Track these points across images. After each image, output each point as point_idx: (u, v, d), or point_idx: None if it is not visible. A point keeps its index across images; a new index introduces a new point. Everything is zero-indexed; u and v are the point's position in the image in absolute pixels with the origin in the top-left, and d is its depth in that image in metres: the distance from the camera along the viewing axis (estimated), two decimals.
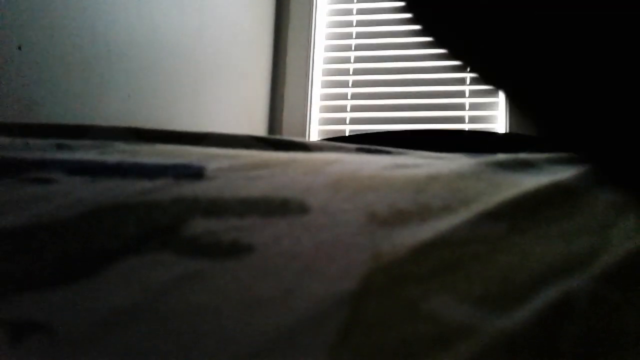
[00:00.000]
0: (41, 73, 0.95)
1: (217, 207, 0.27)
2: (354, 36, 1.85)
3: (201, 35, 1.44)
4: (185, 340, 0.20)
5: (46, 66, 0.96)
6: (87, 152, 0.36)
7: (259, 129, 1.78)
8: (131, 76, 1.17)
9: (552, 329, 0.20)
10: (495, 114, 1.73)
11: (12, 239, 0.25)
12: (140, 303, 0.21)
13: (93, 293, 0.22)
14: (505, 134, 1.61)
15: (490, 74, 0.28)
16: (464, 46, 0.27)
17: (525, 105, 0.28)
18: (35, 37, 0.93)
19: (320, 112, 1.85)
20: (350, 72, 1.84)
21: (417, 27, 0.27)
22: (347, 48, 1.85)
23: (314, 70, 1.84)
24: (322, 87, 1.86)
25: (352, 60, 1.84)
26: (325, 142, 0.49)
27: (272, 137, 0.47)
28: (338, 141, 0.84)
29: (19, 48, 0.90)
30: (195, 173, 0.31)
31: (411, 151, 0.46)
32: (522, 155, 0.36)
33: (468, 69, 0.28)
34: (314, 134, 1.82)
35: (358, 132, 1.65)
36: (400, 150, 0.46)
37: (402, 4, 0.28)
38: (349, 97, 1.83)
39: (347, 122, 1.82)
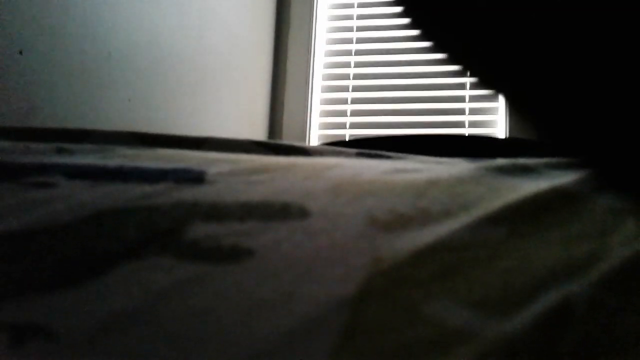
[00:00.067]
0: (42, 77, 0.95)
1: (217, 212, 0.27)
2: (354, 41, 1.85)
3: (201, 40, 1.44)
4: (185, 344, 0.20)
5: (47, 70, 0.96)
6: (88, 156, 0.36)
7: (259, 133, 1.78)
8: (131, 80, 1.18)
9: (552, 333, 0.20)
10: (495, 119, 1.73)
11: (13, 242, 0.25)
12: (141, 307, 0.21)
13: (94, 296, 0.22)
14: (505, 138, 1.61)
15: (490, 78, 0.28)
16: (463, 50, 0.27)
17: (525, 109, 0.28)
18: (36, 42, 0.93)
19: (321, 116, 1.85)
20: (351, 77, 1.84)
21: (416, 31, 0.28)
22: (348, 53, 1.85)
23: (314, 75, 1.84)
24: (322, 91, 1.86)
25: (352, 65, 1.84)
26: (326, 147, 0.49)
27: (273, 141, 0.47)
28: (338, 146, 0.84)
29: (20, 52, 0.91)
30: (195, 177, 0.31)
31: (411, 156, 0.46)
32: (522, 160, 0.36)
33: (468, 73, 0.28)
34: (314, 139, 1.82)
35: (358, 137, 1.65)
36: (400, 154, 0.46)
37: (401, 8, 0.28)
38: (349, 102, 1.83)
39: (347, 126, 1.82)
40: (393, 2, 0.28)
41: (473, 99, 1.74)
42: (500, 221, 0.26)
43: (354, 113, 1.82)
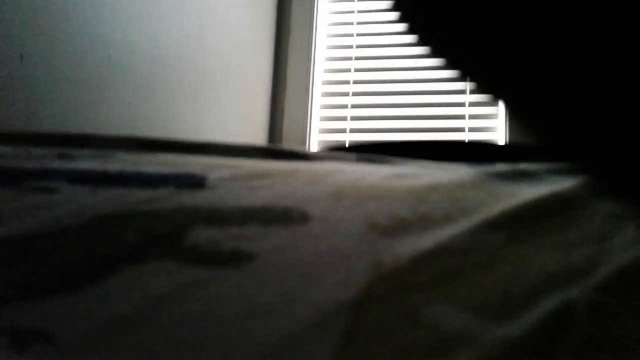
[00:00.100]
0: (43, 82, 0.95)
1: (218, 216, 0.27)
2: (354, 46, 1.86)
3: (202, 45, 1.44)
4: (186, 348, 0.20)
5: (47, 75, 0.96)
6: (89, 161, 0.36)
7: (259, 137, 1.78)
8: (132, 85, 1.18)
9: (552, 337, 0.20)
10: (494, 124, 1.74)
11: (14, 247, 0.25)
12: (142, 311, 0.21)
13: (94, 301, 0.22)
14: (505, 144, 1.61)
15: (489, 83, 0.28)
16: (461, 55, 0.27)
17: (524, 115, 0.28)
18: (36, 47, 0.94)
19: (321, 121, 1.85)
20: (351, 82, 1.84)
21: (414, 37, 0.28)
22: (348, 58, 1.86)
23: (314, 80, 1.85)
24: (323, 96, 1.87)
25: (352, 70, 1.85)
26: (326, 152, 0.49)
27: (274, 146, 0.47)
28: (338, 151, 0.84)
29: (21, 57, 0.91)
30: (197, 182, 0.31)
31: (411, 161, 0.46)
32: (522, 166, 0.36)
33: (466, 78, 0.29)
34: (314, 143, 1.83)
35: (358, 142, 1.65)
36: (400, 160, 0.46)
37: (399, 14, 0.28)
38: (349, 107, 1.83)
39: (348, 131, 1.82)
40: (392, 7, 0.28)
41: (473, 104, 1.74)
42: (500, 226, 0.26)
43: (354, 118, 1.82)
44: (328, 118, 1.85)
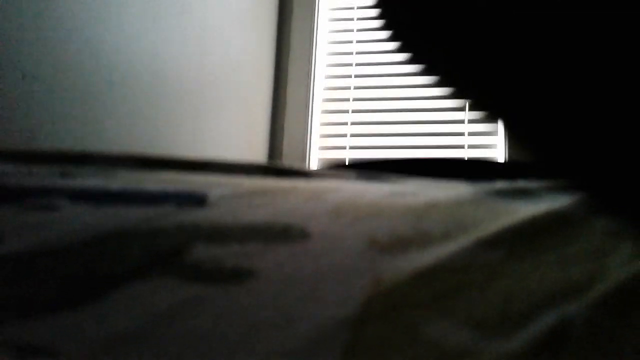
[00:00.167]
0: (44, 101, 0.96)
1: (219, 234, 0.27)
2: (354, 64, 1.87)
3: (202, 64, 1.45)
4: None
5: (49, 95, 0.97)
6: (91, 179, 0.36)
7: (260, 155, 1.78)
8: (133, 104, 1.19)
9: (550, 354, 0.20)
10: (494, 141, 1.74)
11: (16, 264, 0.25)
12: (143, 328, 0.22)
13: (97, 318, 0.22)
14: (504, 161, 1.62)
15: (485, 102, 0.28)
16: (456, 74, 0.27)
17: (521, 133, 0.29)
18: (38, 67, 0.94)
19: (321, 138, 1.86)
20: (351, 100, 1.85)
21: (406, 54, 0.28)
22: (347, 76, 1.87)
23: (314, 97, 1.86)
24: (322, 113, 1.87)
25: (352, 88, 1.86)
26: (326, 170, 0.49)
27: (274, 164, 0.48)
28: (338, 168, 0.84)
29: (23, 77, 0.91)
30: (198, 200, 0.31)
31: (411, 178, 0.46)
32: (521, 183, 0.36)
33: (464, 99, 0.29)
34: (314, 161, 1.83)
35: (358, 160, 1.66)
36: (400, 177, 0.46)
37: (392, 33, 0.28)
38: (349, 124, 1.84)
39: (347, 148, 1.83)
40: (384, 28, 0.28)
41: (472, 121, 1.75)
42: (499, 243, 0.26)
43: (354, 135, 1.83)
44: (328, 135, 1.86)
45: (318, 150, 1.85)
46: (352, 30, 1.90)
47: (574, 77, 0.25)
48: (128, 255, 0.26)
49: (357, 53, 1.88)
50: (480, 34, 0.26)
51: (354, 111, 1.84)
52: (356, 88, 1.85)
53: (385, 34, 0.27)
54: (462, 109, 1.77)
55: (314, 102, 1.85)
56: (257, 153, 1.77)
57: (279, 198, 0.32)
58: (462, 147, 1.75)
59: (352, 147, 1.83)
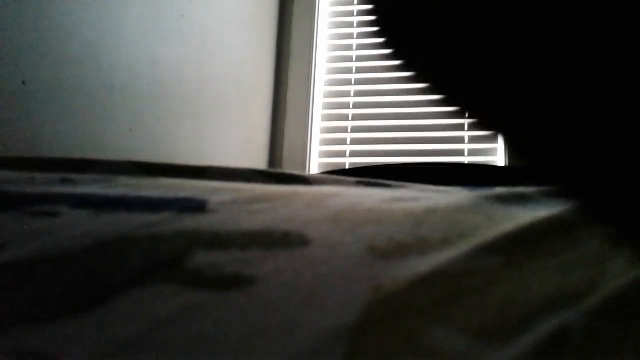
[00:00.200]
0: (45, 107, 0.96)
1: (219, 240, 0.27)
2: (353, 70, 1.87)
3: (202, 70, 1.46)
4: None
5: (50, 101, 0.97)
6: (91, 186, 0.36)
7: (260, 161, 1.79)
8: (133, 110, 1.19)
9: None
10: (494, 147, 1.74)
11: (18, 271, 0.26)
12: (144, 334, 0.22)
13: (98, 324, 0.22)
14: (504, 166, 1.62)
15: (485, 118, 0.28)
16: (456, 92, 0.28)
17: (521, 146, 0.29)
18: (39, 73, 0.95)
19: (321, 145, 1.86)
20: (350, 106, 1.85)
21: (406, 71, 0.28)
22: (347, 82, 1.87)
23: (314, 103, 1.86)
24: (322, 120, 1.88)
25: (352, 94, 1.86)
26: (326, 176, 0.49)
27: (273, 170, 0.48)
28: (338, 174, 0.84)
29: (23, 83, 0.92)
30: (198, 206, 0.31)
31: (410, 184, 0.46)
32: (520, 189, 0.36)
33: (462, 112, 0.29)
34: (314, 167, 1.83)
35: (358, 165, 1.66)
36: (399, 183, 0.47)
37: (390, 50, 0.28)
38: (348, 130, 1.84)
39: (347, 154, 1.83)
40: (385, 46, 0.29)
41: (472, 126, 1.75)
42: (498, 249, 0.26)
43: (354, 141, 1.83)
44: (328, 141, 1.86)
45: (318, 155, 1.85)
46: (352, 36, 1.90)
47: (572, 91, 0.25)
48: (128, 262, 0.26)
49: (357, 59, 1.88)
50: (480, 56, 0.26)
51: (353, 117, 1.84)
52: (356, 94, 1.86)
53: (384, 52, 0.28)
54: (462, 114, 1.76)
55: (314, 108, 1.85)
56: (257, 159, 1.77)
57: (279, 204, 0.32)
58: (462, 152, 1.75)
59: (352, 153, 1.83)
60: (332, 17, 1.93)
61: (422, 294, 0.23)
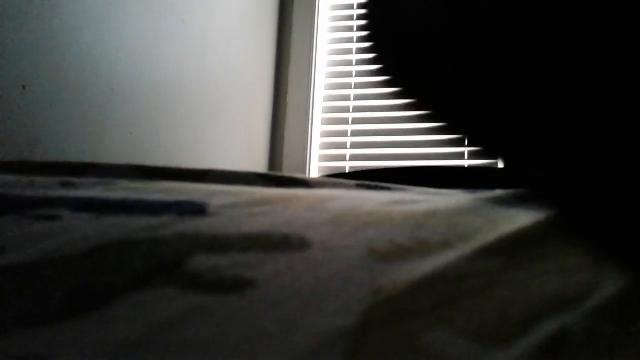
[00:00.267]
0: (45, 112, 0.96)
1: (219, 243, 0.27)
2: (353, 74, 1.88)
3: (202, 74, 1.46)
4: None
5: (50, 105, 0.97)
6: (92, 189, 0.36)
7: (260, 164, 1.79)
8: (133, 114, 1.19)
9: None
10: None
11: (18, 274, 0.26)
12: (145, 337, 0.22)
13: (98, 327, 0.22)
14: (503, 169, 1.62)
15: (483, 144, 0.29)
16: (453, 116, 0.28)
17: (520, 167, 0.29)
18: (39, 77, 0.95)
19: (320, 148, 1.86)
20: (350, 109, 1.86)
21: (408, 100, 0.28)
22: (347, 86, 1.88)
23: (314, 107, 1.86)
24: (322, 123, 1.88)
25: (352, 98, 1.86)
26: (326, 179, 0.49)
27: (273, 173, 0.48)
28: (338, 177, 0.85)
29: (24, 88, 0.92)
30: (198, 209, 0.31)
31: (410, 187, 0.46)
32: (519, 191, 0.36)
33: (461, 135, 0.29)
34: (314, 170, 1.83)
35: (358, 168, 1.66)
36: (399, 186, 0.47)
37: (388, 77, 0.29)
38: (348, 134, 1.84)
39: (347, 158, 1.83)
40: (382, 72, 0.29)
41: (472, 153, 1.75)
42: (497, 252, 0.26)
43: (354, 145, 1.83)
44: (328, 145, 1.86)
45: (318, 159, 1.86)
46: (352, 40, 1.90)
47: (568, 98, 0.25)
48: (129, 265, 0.26)
49: (357, 62, 1.88)
50: (472, 71, 0.26)
51: (353, 121, 1.85)
52: (356, 97, 1.86)
53: (381, 79, 0.28)
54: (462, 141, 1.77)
55: (313, 111, 1.86)
56: (257, 162, 1.77)
57: (279, 207, 0.32)
58: (462, 155, 1.76)
59: (351, 157, 1.83)
60: (332, 21, 1.94)
61: (422, 297, 0.23)
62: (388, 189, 0.45)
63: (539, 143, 0.26)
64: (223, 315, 0.23)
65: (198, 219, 0.30)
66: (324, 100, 1.89)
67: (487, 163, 1.73)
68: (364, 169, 1.53)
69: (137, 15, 1.20)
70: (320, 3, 1.91)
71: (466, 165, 1.73)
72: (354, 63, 1.88)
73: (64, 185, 0.38)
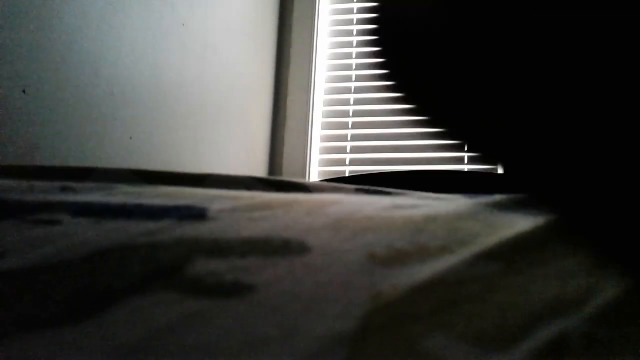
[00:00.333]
0: (45, 116, 0.96)
1: (219, 248, 0.27)
2: (353, 78, 1.88)
3: (202, 79, 1.46)
4: None
5: (50, 109, 0.97)
6: (91, 194, 0.36)
7: (260, 169, 1.79)
8: (133, 118, 1.19)
9: None
10: None
11: (18, 279, 0.26)
12: (145, 342, 0.22)
13: (98, 333, 0.22)
14: (503, 174, 1.62)
15: (486, 153, 0.29)
16: (456, 127, 0.28)
17: (519, 173, 0.29)
18: (39, 81, 0.95)
19: (320, 153, 1.87)
20: (350, 114, 1.86)
21: (408, 106, 0.29)
22: (347, 90, 1.88)
23: (314, 112, 1.86)
24: (322, 128, 1.88)
25: (351, 102, 1.87)
26: (325, 183, 0.49)
27: (273, 178, 0.48)
28: (338, 182, 0.85)
29: (24, 91, 0.92)
30: (198, 214, 0.31)
31: (410, 192, 0.46)
32: (519, 196, 0.36)
33: (464, 145, 0.29)
34: (314, 175, 1.83)
35: (357, 173, 1.66)
36: (399, 190, 0.47)
37: (391, 83, 0.29)
38: (348, 139, 1.85)
39: (347, 162, 1.83)
40: (386, 77, 0.29)
41: (472, 159, 1.76)
42: (497, 256, 0.26)
43: (354, 150, 1.84)
44: (328, 150, 1.86)
45: (318, 164, 1.86)
46: (352, 44, 1.91)
47: (566, 103, 0.25)
48: (129, 270, 0.26)
49: (357, 67, 1.89)
50: (471, 77, 0.26)
51: (353, 125, 1.85)
52: (356, 102, 1.86)
53: (382, 84, 0.28)
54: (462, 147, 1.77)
55: (313, 116, 1.86)
56: (257, 167, 1.77)
57: (279, 212, 0.32)
58: (462, 160, 1.76)
59: (351, 161, 1.83)
60: (331, 25, 1.94)
61: (421, 302, 0.23)
62: (388, 193, 0.45)
63: (538, 149, 0.26)
64: (223, 320, 0.23)
65: (198, 224, 0.30)
66: (324, 105, 1.89)
67: (487, 169, 1.73)
68: (364, 173, 1.53)
69: (137, 19, 1.20)
70: (320, 8, 1.92)
71: (466, 170, 1.73)
72: (353, 67, 1.89)
73: (64, 190, 0.38)
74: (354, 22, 1.92)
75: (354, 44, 1.90)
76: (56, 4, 0.98)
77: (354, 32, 1.92)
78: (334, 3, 1.95)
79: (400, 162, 1.78)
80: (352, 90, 1.87)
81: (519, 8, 0.24)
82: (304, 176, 1.80)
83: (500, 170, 1.71)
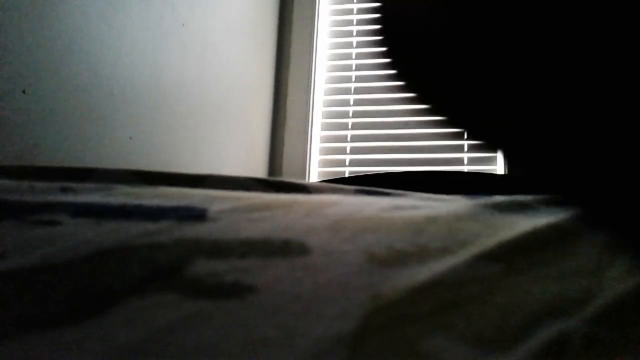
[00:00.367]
0: (45, 116, 0.96)
1: (219, 249, 0.27)
2: (353, 79, 1.88)
3: (203, 79, 1.46)
4: None
5: (50, 109, 0.97)
6: (91, 195, 0.36)
7: (260, 170, 1.79)
8: (133, 119, 1.19)
9: None
10: (494, 156, 1.75)
11: (18, 280, 0.26)
12: (145, 343, 0.22)
13: (98, 333, 0.22)
14: (504, 175, 1.62)
15: (486, 135, 0.29)
16: (458, 114, 0.28)
17: (520, 159, 0.29)
18: (39, 81, 0.95)
19: (320, 153, 1.87)
20: (350, 115, 1.86)
21: (409, 94, 0.29)
22: (347, 91, 1.88)
23: (314, 112, 1.86)
24: (322, 129, 1.88)
25: (351, 103, 1.87)
26: (325, 184, 0.49)
27: (273, 179, 0.48)
28: (337, 183, 0.85)
29: (24, 92, 0.92)
30: (198, 215, 0.31)
31: (410, 193, 0.46)
32: (519, 197, 0.37)
33: (459, 129, 0.29)
34: (314, 175, 1.83)
35: (357, 174, 1.66)
36: (399, 191, 0.47)
37: (393, 72, 0.29)
38: (348, 139, 1.85)
39: (347, 163, 1.83)
40: (389, 66, 0.29)
41: (473, 147, 1.75)
42: (497, 257, 0.26)
43: (354, 150, 1.84)
44: (327, 150, 1.86)
45: (318, 164, 1.86)
46: (352, 45, 1.91)
47: (571, 101, 0.25)
48: (128, 271, 0.26)
49: (357, 67, 1.89)
50: (477, 67, 0.26)
51: (353, 126, 1.85)
52: (356, 103, 1.86)
53: (382, 85, 0.28)
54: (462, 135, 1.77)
55: (313, 117, 1.86)
56: (257, 168, 1.77)
57: (279, 213, 0.32)
58: (461, 161, 1.76)
59: (351, 162, 1.83)
60: (331, 26, 1.94)
61: (421, 303, 0.23)
62: (388, 194, 0.45)
63: (540, 137, 0.26)
64: (223, 320, 0.23)
65: (198, 225, 0.30)
66: (324, 105, 1.89)
67: (487, 157, 1.73)
68: (363, 174, 1.53)
69: (137, 19, 1.20)
70: (320, 8, 1.92)
71: (466, 171, 1.73)
72: (353, 68, 1.89)
73: (64, 190, 0.38)
74: (354, 22, 1.92)
75: (354, 45, 1.90)
76: (56, 4, 0.98)
77: (354, 33, 1.92)
78: (334, 3, 1.95)
79: (400, 163, 1.78)
80: (352, 91, 1.87)
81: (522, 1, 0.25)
82: (304, 177, 1.80)
83: (500, 158, 1.71)
